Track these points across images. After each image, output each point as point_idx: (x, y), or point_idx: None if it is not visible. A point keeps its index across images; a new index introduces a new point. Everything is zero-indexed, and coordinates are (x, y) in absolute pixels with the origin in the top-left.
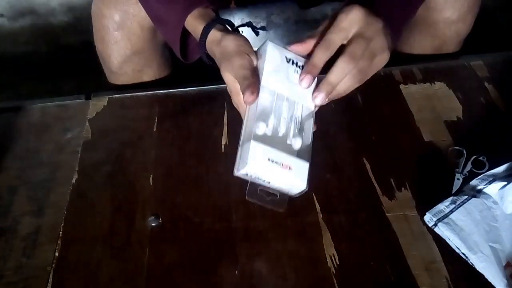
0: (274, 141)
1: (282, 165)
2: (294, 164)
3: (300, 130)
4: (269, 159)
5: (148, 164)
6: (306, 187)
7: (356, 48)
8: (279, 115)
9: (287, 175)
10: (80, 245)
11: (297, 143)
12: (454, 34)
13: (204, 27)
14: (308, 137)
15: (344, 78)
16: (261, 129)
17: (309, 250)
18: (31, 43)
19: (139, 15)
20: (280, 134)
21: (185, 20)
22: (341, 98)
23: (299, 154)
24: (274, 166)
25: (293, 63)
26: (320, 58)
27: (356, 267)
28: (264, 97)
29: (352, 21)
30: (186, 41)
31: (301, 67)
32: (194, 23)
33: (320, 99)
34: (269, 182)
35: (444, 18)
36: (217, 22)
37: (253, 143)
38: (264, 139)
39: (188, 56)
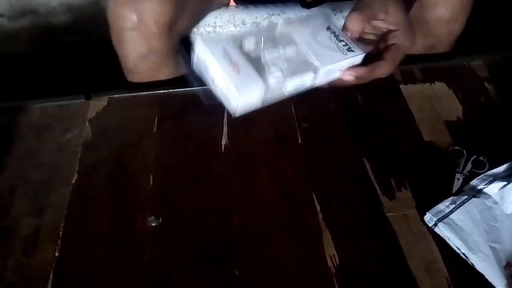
0: (251, 55)
1: (233, 64)
2: (246, 73)
3: (288, 72)
4: (225, 50)
5: (148, 164)
6: (242, 105)
7: (397, 57)
8: (278, 47)
9: (231, 76)
10: (80, 245)
11: (271, 78)
12: (447, 33)
13: None
14: (287, 88)
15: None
16: (249, 41)
17: (309, 250)
18: (31, 43)
19: (153, 11)
20: (264, 58)
21: None
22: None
23: (264, 79)
24: (224, 59)
25: (332, 32)
26: (358, 76)
27: (356, 267)
28: (278, 31)
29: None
30: None
31: (338, 38)
32: None
33: (349, 77)
34: (213, 80)
35: (437, 17)
36: None
37: (225, 34)
38: (238, 43)
39: None
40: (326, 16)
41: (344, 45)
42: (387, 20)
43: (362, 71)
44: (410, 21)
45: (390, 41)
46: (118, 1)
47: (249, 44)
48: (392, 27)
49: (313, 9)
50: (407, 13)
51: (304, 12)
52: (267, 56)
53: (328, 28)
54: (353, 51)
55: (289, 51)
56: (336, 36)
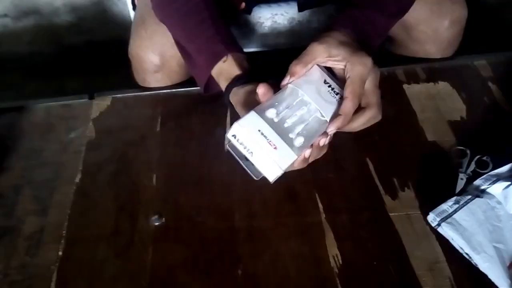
0: (276, 126)
1: (270, 141)
2: (282, 148)
3: (307, 135)
4: (259, 130)
5: (152, 163)
6: (280, 174)
7: (355, 89)
8: (294, 111)
9: (271, 152)
10: (83, 244)
11: (297, 141)
12: (432, 58)
13: (225, 89)
14: (309, 144)
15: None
16: (270, 112)
17: (312, 250)
18: (34, 43)
19: (177, 56)
20: (286, 125)
21: (210, 72)
22: None
23: (293, 148)
24: (262, 138)
25: (329, 86)
26: (341, 126)
27: (359, 267)
28: (288, 94)
29: (367, 85)
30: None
31: (334, 91)
32: (217, 78)
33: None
34: (251, 153)
35: (424, 50)
36: (236, 83)
37: (252, 112)
38: (266, 119)
39: (208, 88)
40: (320, 67)
41: (339, 98)
42: (335, 60)
43: (338, 122)
44: (355, 47)
45: (346, 76)
46: (141, 46)
47: (271, 115)
48: (341, 64)
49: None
50: (349, 43)
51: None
52: (289, 121)
53: (325, 82)
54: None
55: (303, 112)
56: (333, 89)
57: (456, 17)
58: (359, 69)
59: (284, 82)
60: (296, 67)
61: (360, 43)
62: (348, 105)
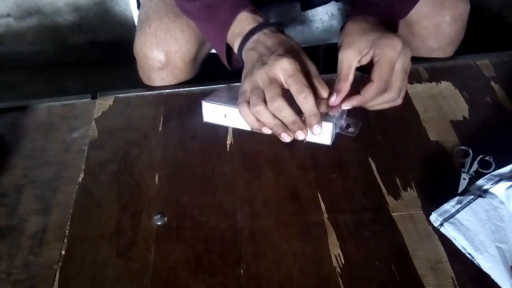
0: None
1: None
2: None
3: None
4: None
5: (154, 163)
6: None
7: (383, 73)
8: None
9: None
10: (86, 244)
11: None
12: (433, 56)
13: (239, 45)
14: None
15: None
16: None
17: (314, 249)
18: (37, 43)
19: (180, 51)
20: None
21: (229, 28)
22: None
23: None
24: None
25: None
26: (356, 105)
27: (361, 267)
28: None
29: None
30: (230, 50)
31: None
32: (231, 42)
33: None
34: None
35: (426, 46)
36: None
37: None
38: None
39: (232, 63)
40: None
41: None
42: (366, 54)
43: (355, 100)
44: (380, 30)
45: (375, 60)
46: (146, 43)
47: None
48: (370, 53)
49: None
50: (373, 28)
51: None
52: None
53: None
54: None
55: None
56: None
57: (458, 12)
58: (388, 53)
59: (332, 100)
60: (340, 84)
61: (386, 22)
62: (372, 89)
